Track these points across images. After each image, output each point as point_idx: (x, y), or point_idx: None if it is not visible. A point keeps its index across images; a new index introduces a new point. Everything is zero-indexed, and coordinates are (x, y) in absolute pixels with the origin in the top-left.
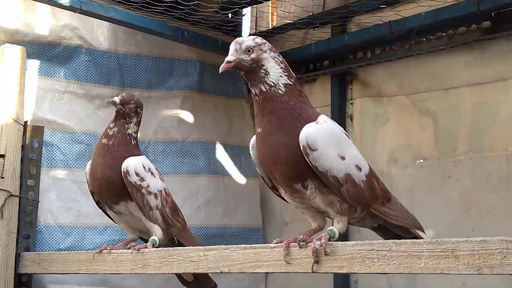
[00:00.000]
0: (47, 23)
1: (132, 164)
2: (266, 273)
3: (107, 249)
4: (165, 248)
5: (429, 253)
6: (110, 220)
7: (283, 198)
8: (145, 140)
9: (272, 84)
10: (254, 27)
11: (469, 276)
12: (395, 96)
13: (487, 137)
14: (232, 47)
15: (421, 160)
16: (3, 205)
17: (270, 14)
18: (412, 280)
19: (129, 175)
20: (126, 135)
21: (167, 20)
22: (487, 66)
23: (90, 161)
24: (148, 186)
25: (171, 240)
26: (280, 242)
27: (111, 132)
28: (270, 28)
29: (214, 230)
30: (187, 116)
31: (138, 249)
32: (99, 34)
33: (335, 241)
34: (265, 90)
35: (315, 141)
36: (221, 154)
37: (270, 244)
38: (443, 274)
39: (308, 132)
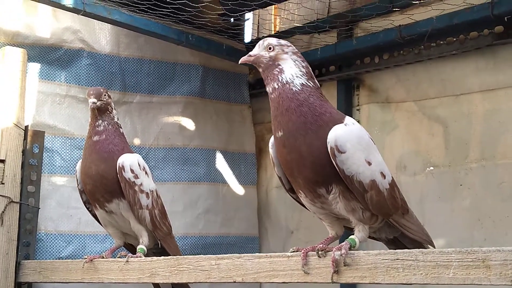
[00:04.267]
0: (49, 25)
1: (128, 160)
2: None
3: (96, 258)
4: (174, 257)
5: (458, 263)
6: None
7: (298, 201)
8: (146, 146)
9: (285, 82)
10: (256, 32)
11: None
12: (403, 102)
13: (500, 145)
14: (256, 45)
15: (431, 168)
16: (3, 212)
17: (272, 19)
18: None
19: (124, 171)
20: (116, 125)
21: (172, 23)
22: (499, 72)
23: (80, 161)
24: (141, 184)
25: (156, 245)
26: (297, 251)
27: (101, 128)
28: (273, 33)
29: (213, 239)
30: (189, 122)
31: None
32: (101, 37)
33: (356, 250)
34: (277, 87)
35: (344, 143)
36: (221, 162)
37: (287, 253)
38: (473, 285)
39: (337, 134)
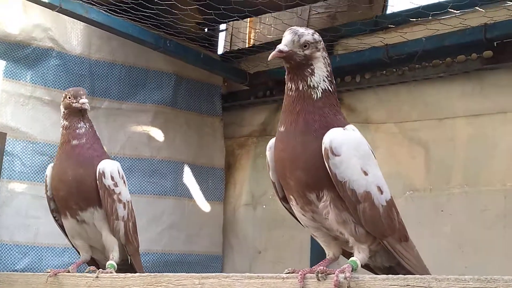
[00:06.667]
0: (18, 21)
1: (109, 167)
2: None
3: (61, 273)
4: (151, 274)
5: None
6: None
7: (291, 213)
8: (111, 155)
9: (312, 86)
10: (229, 44)
11: None
12: (384, 123)
13: (484, 171)
14: (289, 37)
15: (412, 192)
16: None
17: (247, 32)
18: None
19: (104, 177)
20: (94, 128)
21: (151, 27)
22: (486, 98)
23: (52, 165)
24: (120, 193)
25: (123, 261)
26: (293, 272)
27: (82, 130)
28: (247, 46)
29: (176, 257)
30: (158, 133)
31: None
32: (72, 37)
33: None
34: (301, 88)
35: (340, 146)
36: (189, 175)
37: (281, 274)
38: None
39: (333, 136)
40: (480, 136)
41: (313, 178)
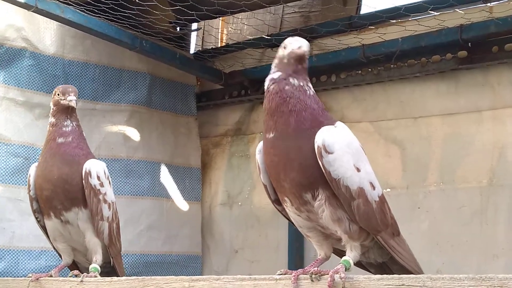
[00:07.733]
0: None
1: (95, 166)
2: None
3: (43, 277)
4: (139, 277)
5: None
6: (48, 243)
7: (283, 215)
8: None
9: (308, 80)
10: (201, 43)
11: None
12: (359, 122)
13: (460, 168)
14: (303, 40)
15: (388, 189)
16: None
17: (220, 30)
18: None
19: (90, 177)
20: (81, 127)
21: (127, 26)
22: (461, 97)
23: (36, 164)
24: (105, 193)
25: (106, 263)
26: (285, 274)
27: (69, 128)
28: (220, 45)
29: (154, 257)
30: (134, 133)
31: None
32: (45, 37)
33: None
34: (302, 84)
35: (332, 144)
36: (166, 175)
37: (274, 276)
38: None
39: (326, 134)
40: (455, 134)
41: (308, 178)
